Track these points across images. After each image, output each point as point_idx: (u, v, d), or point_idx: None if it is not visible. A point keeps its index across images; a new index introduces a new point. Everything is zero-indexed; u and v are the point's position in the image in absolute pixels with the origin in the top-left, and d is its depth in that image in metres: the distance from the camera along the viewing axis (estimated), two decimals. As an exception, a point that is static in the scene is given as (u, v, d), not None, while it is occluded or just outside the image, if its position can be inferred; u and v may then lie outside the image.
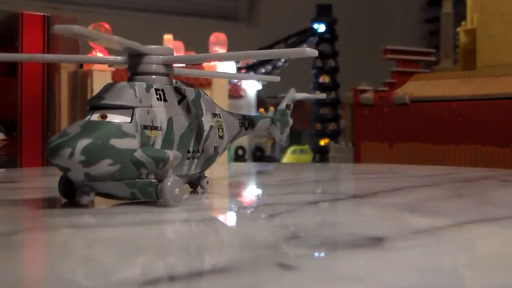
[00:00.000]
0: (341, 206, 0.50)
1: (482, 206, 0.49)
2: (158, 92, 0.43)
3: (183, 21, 3.63)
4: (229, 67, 1.73)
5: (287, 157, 3.78)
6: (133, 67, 0.44)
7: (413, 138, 2.00)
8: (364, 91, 2.28)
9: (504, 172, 0.86)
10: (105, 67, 1.77)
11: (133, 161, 0.40)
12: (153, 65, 0.43)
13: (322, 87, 3.51)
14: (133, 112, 0.41)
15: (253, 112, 2.62)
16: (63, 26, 0.34)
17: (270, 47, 2.99)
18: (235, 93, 2.06)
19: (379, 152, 2.12)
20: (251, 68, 3.07)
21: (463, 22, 2.19)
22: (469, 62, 2.09)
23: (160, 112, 0.43)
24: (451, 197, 0.56)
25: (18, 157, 1.53)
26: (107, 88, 0.42)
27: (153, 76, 0.44)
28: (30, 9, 1.67)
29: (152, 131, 0.42)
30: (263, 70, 3.12)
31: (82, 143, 0.38)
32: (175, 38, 2.12)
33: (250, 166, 1.30)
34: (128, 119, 0.40)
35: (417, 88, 2.08)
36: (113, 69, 1.79)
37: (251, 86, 2.50)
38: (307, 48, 0.42)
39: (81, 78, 1.84)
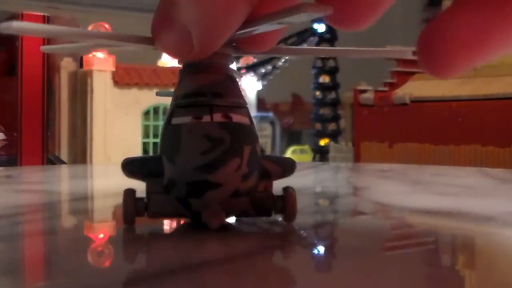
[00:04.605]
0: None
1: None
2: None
3: (183, 21, 3.63)
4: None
5: (287, 157, 3.78)
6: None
7: (413, 138, 2.00)
8: (364, 91, 2.28)
9: None
10: (105, 67, 1.77)
11: (259, 171, 0.30)
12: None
13: (322, 87, 3.52)
14: (248, 111, 0.31)
15: (253, 112, 2.62)
16: (4, 24, 0.23)
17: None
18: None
19: (379, 152, 2.12)
20: (251, 68, 3.07)
21: (463, 22, 2.19)
22: (469, 62, 2.09)
23: None
24: None
25: (18, 156, 1.53)
26: (206, 83, 0.30)
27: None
28: (30, 9, 1.67)
29: None
30: (263, 70, 3.12)
31: (247, 151, 0.28)
32: (175, 38, 2.12)
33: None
34: (248, 120, 0.30)
35: (417, 88, 2.08)
36: (113, 69, 1.79)
37: (251, 86, 2.51)
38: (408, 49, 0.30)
39: (81, 78, 1.85)
